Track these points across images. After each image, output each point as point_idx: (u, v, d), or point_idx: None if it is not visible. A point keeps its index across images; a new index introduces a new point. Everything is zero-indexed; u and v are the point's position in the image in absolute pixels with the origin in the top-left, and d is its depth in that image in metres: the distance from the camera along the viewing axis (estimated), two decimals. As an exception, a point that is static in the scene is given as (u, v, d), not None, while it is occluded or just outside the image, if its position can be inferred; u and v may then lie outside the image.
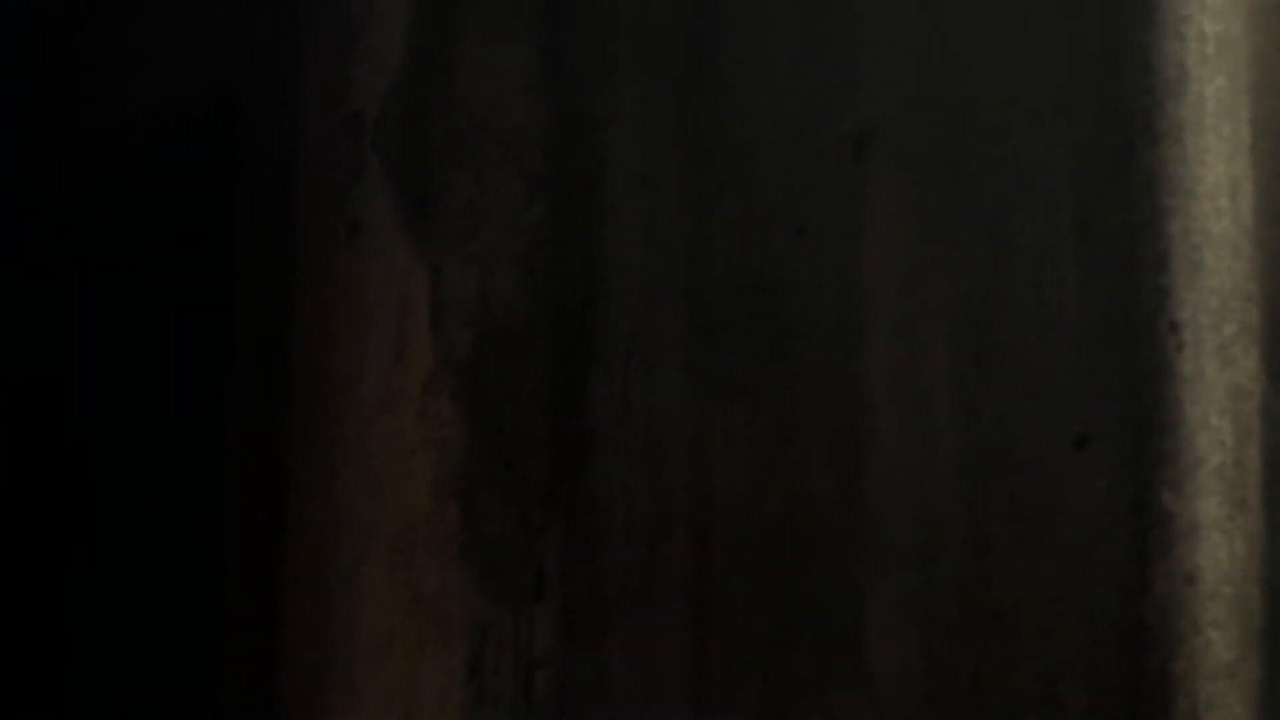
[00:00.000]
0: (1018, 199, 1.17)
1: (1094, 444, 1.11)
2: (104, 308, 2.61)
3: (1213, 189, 1.11)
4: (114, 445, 2.56)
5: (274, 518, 1.81)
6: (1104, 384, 1.11)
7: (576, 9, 1.55)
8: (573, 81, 1.56)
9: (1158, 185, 1.09)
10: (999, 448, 1.18)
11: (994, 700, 1.17)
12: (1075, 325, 1.13)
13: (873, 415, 1.27)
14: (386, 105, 1.70)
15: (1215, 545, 1.09)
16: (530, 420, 1.58)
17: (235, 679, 1.86)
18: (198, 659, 2.23)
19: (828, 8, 1.32)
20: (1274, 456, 1.13)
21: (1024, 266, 1.17)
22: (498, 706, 1.57)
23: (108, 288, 2.61)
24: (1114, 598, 1.10)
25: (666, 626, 1.43)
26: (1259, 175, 1.14)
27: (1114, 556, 1.10)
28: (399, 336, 1.67)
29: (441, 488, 1.63)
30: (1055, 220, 1.15)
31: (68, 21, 2.46)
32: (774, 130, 1.36)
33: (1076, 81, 1.14)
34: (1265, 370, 1.13)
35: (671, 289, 1.46)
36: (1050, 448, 1.14)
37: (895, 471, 1.25)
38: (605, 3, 1.51)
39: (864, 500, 1.27)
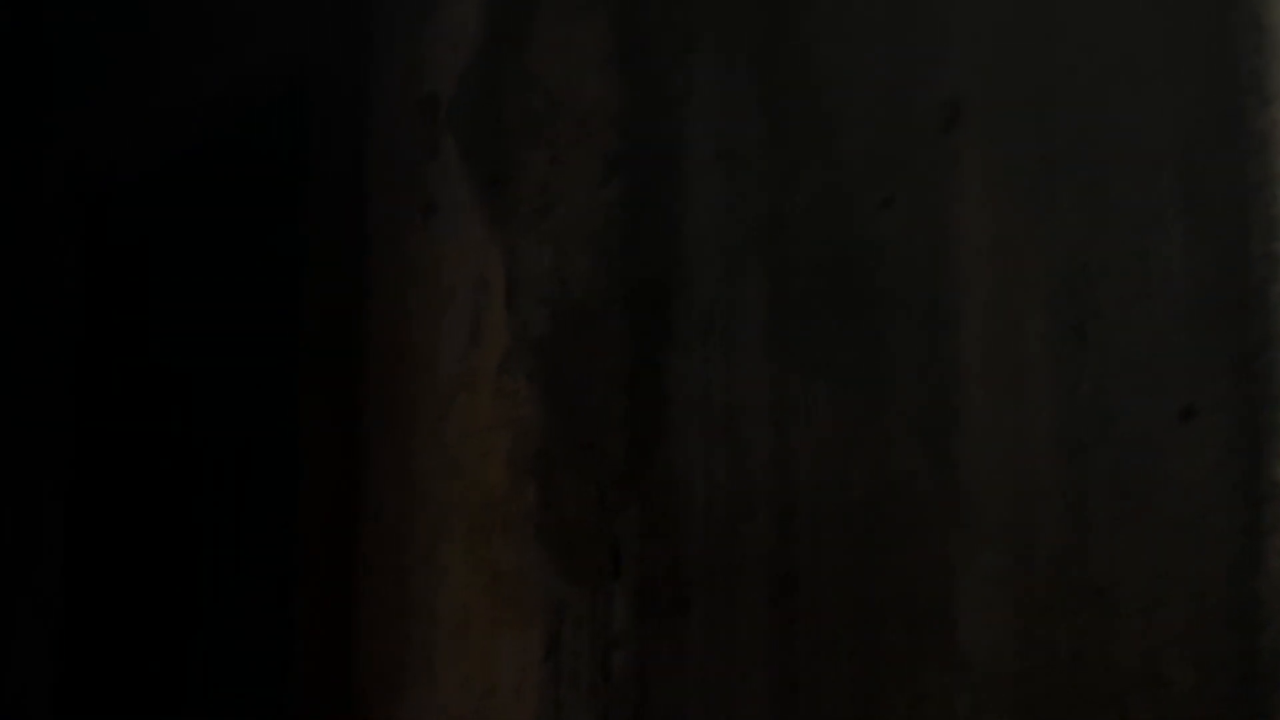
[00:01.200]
0: (1117, 166, 1.11)
1: (1201, 416, 1.05)
2: (173, 294, 2.58)
3: (1323, 153, 1.04)
4: (184, 427, 2.52)
5: (348, 497, 1.76)
6: (1212, 354, 1.05)
7: (652, -15, 1.49)
8: (649, 57, 1.50)
9: (1270, 149, 1.02)
10: (1099, 421, 1.11)
11: (1094, 678, 1.10)
12: (1180, 294, 1.06)
13: (964, 389, 1.21)
14: (461, 85, 1.64)
15: (1328, 520, 1.03)
16: (606, 399, 1.52)
17: (310, 657, 1.82)
18: (271, 637, 2.19)
19: (913, -24, 1.26)
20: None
21: (1125, 235, 1.10)
22: (576, 685, 1.51)
23: (177, 273, 2.57)
24: (1223, 574, 1.03)
25: (748, 606, 1.38)
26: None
27: (1223, 531, 1.04)
28: (475, 316, 1.62)
29: (518, 467, 1.58)
30: (1158, 187, 1.09)
31: (137, 9, 2.43)
32: (859, 101, 1.29)
33: (1180, 42, 1.07)
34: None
35: (751, 265, 1.40)
36: (1154, 420, 1.08)
37: (988, 446, 1.19)
38: (682, -22, 1.46)
39: (955, 476, 1.21)
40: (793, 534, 1.35)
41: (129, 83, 2.48)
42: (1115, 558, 1.10)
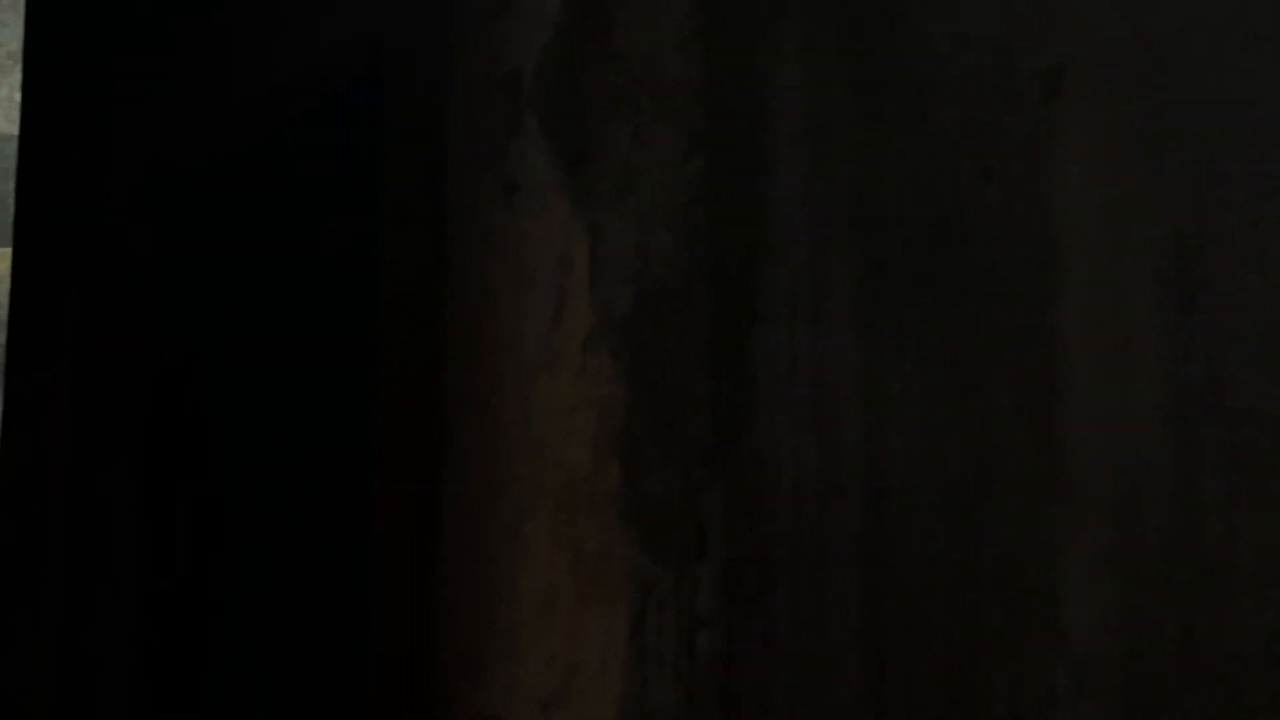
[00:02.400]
0: (1231, 133, 1.05)
1: (1321, 388, 0.99)
2: (246, 280, 2.55)
3: None
4: (261, 409, 2.50)
5: (429, 477, 1.73)
6: (1333, 324, 0.99)
7: (737, -41, 1.45)
8: (733, 31, 1.45)
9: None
10: (1210, 393, 1.06)
11: (1207, 659, 1.05)
12: (1299, 263, 1.01)
13: (1067, 363, 1.15)
14: (543, 61, 1.60)
15: None
16: (690, 378, 1.48)
17: (389, 636, 1.79)
18: (350, 618, 2.16)
19: (1010, -57, 1.20)
20: None
21: (1239, 203, 1.05)
22: (661, 665, 1.47)
23: (249, 260, 2.55)
24: (1345, 551, 0.98)
25: (838, 586, 1.33)
26: None
27: (1345, 507, 0.98)
28: (558, 295, 1.58)
29: (602, 446, 1.53)
30: (1273, 154, 1.03)
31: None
32: (955, 71, 1.24)
33: (1300, 4, 1.02)
34: None
35: (841, 240, 1.35)
36: (1269, 392, 1.02)
37: (1092, 421, 1.13)
38: (767, -49, 1.41)
39: (1057, 452, 1.16)
40: (885, 512, 1.30)
41: (200, 71, 2.45)
42: (1227, 535, 1.05)
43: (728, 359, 1.45)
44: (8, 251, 4.90)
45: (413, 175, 1.83)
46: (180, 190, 2.58)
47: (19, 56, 5.04)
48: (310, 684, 2.38)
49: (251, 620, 2.46)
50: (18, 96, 4.99)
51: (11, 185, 4.88)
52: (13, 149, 4.94)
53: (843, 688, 1.32)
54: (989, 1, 1.22)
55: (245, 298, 2.55)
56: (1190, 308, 1.07)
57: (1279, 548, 1.02)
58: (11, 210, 4.89)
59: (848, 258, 1.34)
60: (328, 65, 2.13)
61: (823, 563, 1.35)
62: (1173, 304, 1.09)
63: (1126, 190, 1.12)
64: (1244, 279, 1.04)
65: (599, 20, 1.56)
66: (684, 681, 1.46)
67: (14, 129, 5.02)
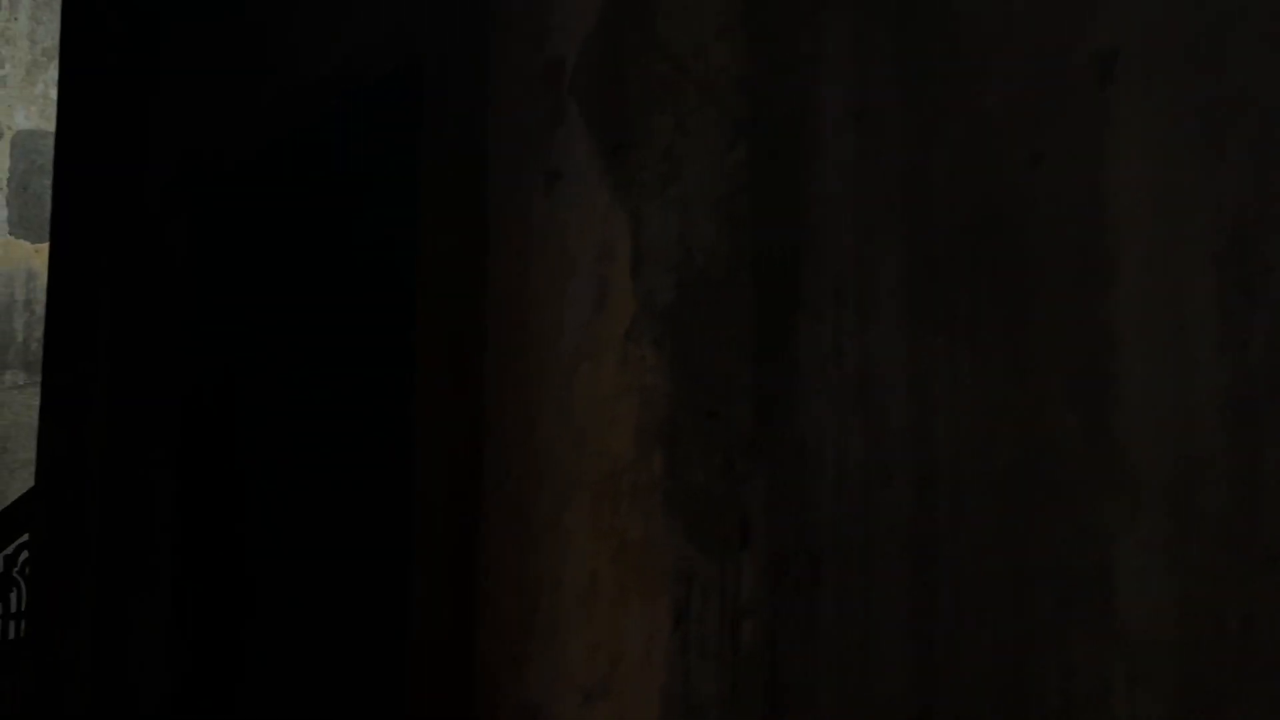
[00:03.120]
0: (1292, 114, 1.03)
1: (1387, 373, 0.97)
2: (283, 272, 2.54)
3: None
4: (297, 404, 2.49)
5: (470, 467, 1.71)
6: (1400, 308, 0.96)
7: (780, -54, 1.42)
8: (777, 18, 1.43)
9: None
10: (1270, 380, 1.03)
11: (1267, 649, 1.02)
12: (1364, 246, 0.98)
13: (1121, 350, 1.13)
14: (585, 51, 1.58)
15: None
16: (733, 367, 1.46)
17: (431, 625, 1.77)
18: (386, 605, 2.15)
19: (1062, -74, 1.18)
20: None
21: (1300, 186, 1.02)
22: (704, 655, 1.45)
23: (286, 252, 2.54)
24: None
25: (885, 575, 1.31)
26: None
27: None
28: (600, 284, 1.56)
29: (644, 435, 1.51)
30: (1336, 135, 1.00)
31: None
32: (1005, 54, 1.22)
33: (1364, -18, 0.99)
34: None
35: (888, 228, 1.32)
36: (1333, 379, 1.00)
37: (1147, 409, 1.11)
38: (812, -63, 1.38)
39: (1111, 440, 1.13)
40: (933, 501, 1.28)
41: (234, 67, 2.44)
42: (1288, 523, 1.02)
43: (771, 348, 1.43)
44: (44, 247, 4.91)
45: (451, 167, 1.81)
46: (216, 186, 2.57)
47: (54, 54, 5.05)
48: (346, 677, 2.36)
49: (286, 613, 2.44)
50: (53, 93, 5.00)
51: (47, 181, 4.88)
52: (48, 145, 4.94)
53: (889, 677, 1.30)
54: (1041, -16, 1.19)
55: (280, 292, 2.53)
56: (1250, 293, 1.05)
57: (1342, 536, 1.00)
58: (46, 205, 4.90)
59: (895, 245, 1.31)
60: (363, 60, 2.11)
61: (868, 552, 1.33)
62: (1231, 289, 1.06)
63: (1183, 174, 1.09)
64: (1305, 263, 1.02)
65: (641, 9, 1.54)
66: (728, 672, 1.43)
67: (49, 125, 5.03)
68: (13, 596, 3.70)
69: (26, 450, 4.82)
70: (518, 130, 1.67)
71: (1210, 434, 1.07)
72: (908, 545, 1.29)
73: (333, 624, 2.37)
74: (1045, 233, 1.19)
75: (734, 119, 1.47)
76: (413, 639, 1.80)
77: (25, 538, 3.66)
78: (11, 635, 3.70)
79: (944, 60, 1.27)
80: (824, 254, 1.38)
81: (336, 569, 2.38)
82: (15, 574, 3.71)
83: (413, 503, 1.82)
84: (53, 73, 4.97)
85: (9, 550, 3.75)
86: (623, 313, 1.54)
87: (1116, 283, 1.13)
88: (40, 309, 4.94)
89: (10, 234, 4.97)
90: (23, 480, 4.66)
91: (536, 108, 1.64)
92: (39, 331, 4.91)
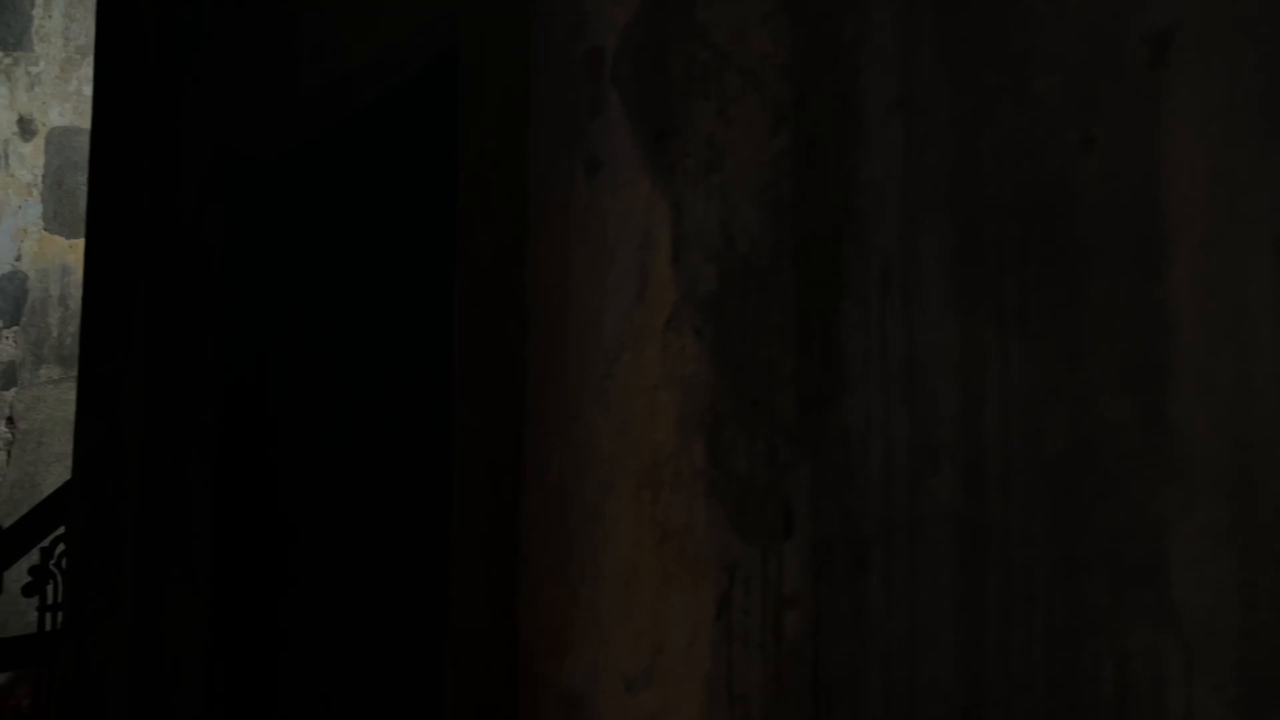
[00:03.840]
0: (1355, 93, 1.00)
1: None
2: (320, 265, 2.53)
3: None
4: (332, 396, 2.48)
5: (507, 455, 1.69)
6: None
7: (823, -70, 1.40)
8: (820, 3, 1.41)
9: None
10: (1333, 365, 1.01)
11: (1330, 638, 1.00)
12: None
13: (1177, 335, 1.10)
14: (625, 39, 1.56)
15: None
16: (776, 355, 1.44)
17: (470, 614, 1.75)
18: (425, 594, 2.13)
19: (1114, -94, 1.15)
20: None
21: (1364, 166, 0.99)
22: (747, 645, 1.43)
23: (323, 246, 2.53)
24: None
25: (933, 564, 1.29)
26: None
27: None
28: (640, 273, 1.54)
29: (686, 424, 1.49)
30: (1401, 114, 0.98)
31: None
32: (1055, 36, 1.19)
33: None
34: None
35: (935, 214, 1.30)
36: (1399, 363, 0.97)
37: (1204, 395, 1.08)
38: (856, -79, 1.36)
39: (1167, 426, 1.11)
40: (982, 489, 1.25)
41: (269, 60, 2.43)
42: (1352, 510, 1.00)
43: (814, 336, 1.41)
44: (78, 243, 4.92)
45: (490, 157, 1.79)
46: (251, 180, 2.55)
47: (87, 51, 5.06)
48: (386, 666, 2.35)
49: (325, 602, 2.43)
50: (86, 90, 5.01)
51: (81, 177, 4.89)
52: (81, 141, 4.95)
53: (937, 667, 1.27)
54: (1094, -36, 1.17)
55: (317, 284, 2.52)
56: (1311, 276, 1.02)
57: (1407, 522, 0.97)
58: (80, 201, 4.91)
59: (942, 231, 1.29)
60: (399, 51, 2.09)
61: (915, 541, 1.31)
62: (1291, 272, 1.03)
63: (1241, 156, 1.07)
64: (1369, 245, 0.99)
65: (682, -5, 1.52)
66: (771, 661, 1.41)
67: (82, 122, 5.04)
68: (49, 588, 3.71)
69: (61, 444, 4.83)
70: (557, 119, 1.65)
71: (1270, 418, 1.04)
72: (956, 534, 1.27)
73: (371, 613, 2.36)
74: (1098, 216, 1.16)
75: (776, 106, 1.45)
76: (451, 628, 1.78)
77: (61, 530, 3.66)
78: (49, 627, 3.71)
79: (993, 43, 1.25)
80: (869, 241, 1.35)
81: (374, 559, 2.37)
82: (52, 566, 3.71)
83: (450, 491, 1.81)
84: (86, 70, 4.97)
85: (45, 543, 3.75)
86: (664, 302, 1.52)
87: (1172, 266, 1.11)
88: (74, 304, 4.94)
89: (45, 230, 4.98)
90: (58, 474, 4.67)
91: (576, 96, 1.62)
92: (73, 327, 4.91)
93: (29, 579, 3.78)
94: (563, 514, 1.60)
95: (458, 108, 1.87)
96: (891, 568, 1.32)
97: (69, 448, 4.66)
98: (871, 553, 1.34)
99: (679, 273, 1.51)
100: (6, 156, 4.91)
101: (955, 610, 1.26)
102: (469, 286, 1.81)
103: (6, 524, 3.85)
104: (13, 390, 4.91)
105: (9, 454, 4.86)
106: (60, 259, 5.00)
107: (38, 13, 4.98)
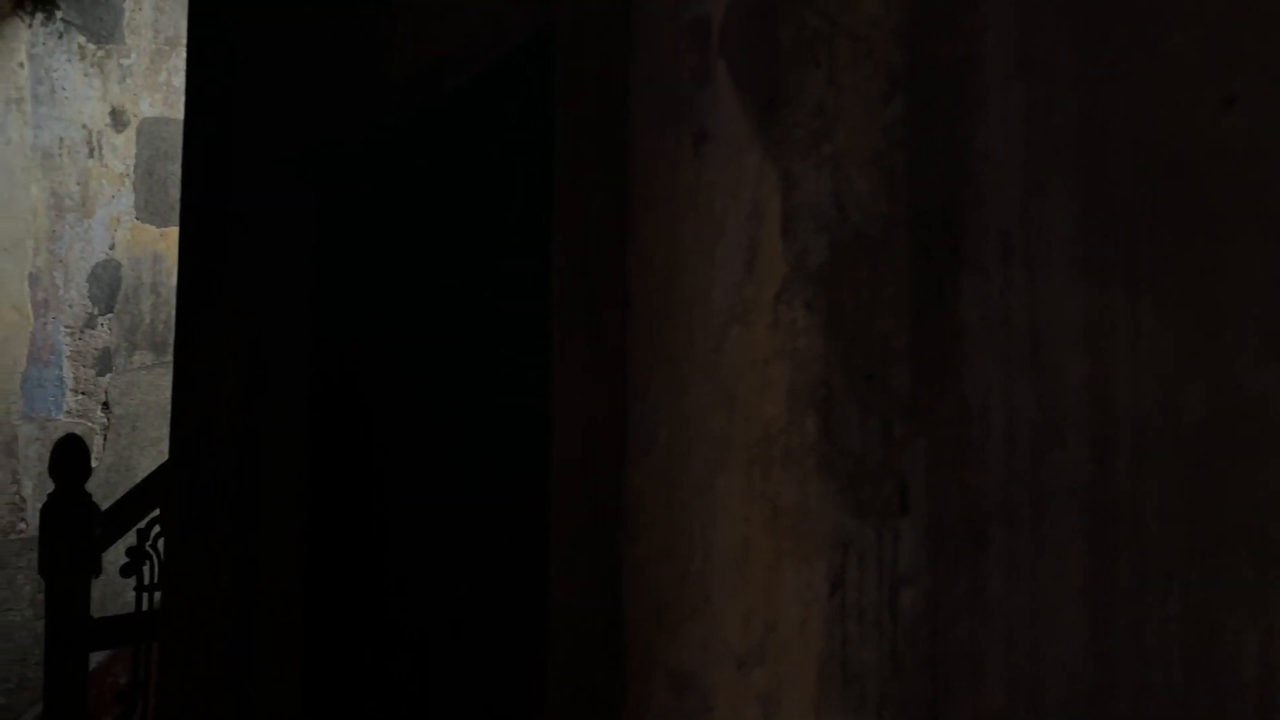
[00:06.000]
0: None
1: None
2: (413, 252, 2.50)
3: None
4: (430, 372, 2.45)
5: (608, 431, 1.64)
6: None
7: (938, -109, 1.34)
8: (936, -32, 1.35)
9: None
10: None
11: None
12: None
13: (1328, 299, 1.04)
14: (732, 7, 1.51)
15: None
16: (890, 328, 1.38)
17: (569, 593, 1.71)
18: (521, 571, 2.10)
19: None
20: None
21: None
22: (862, 623, 1.38)
23: (415, 232, 2.50)
24: None
25: (1058, 541, 1.23)
26: None
27: None
28: (750, 245, 1.49)
29: (797, 399, 1.44)
30: None
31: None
32: (1194, -8, 1.13)
33: None
34: None
35: (1059, 179, 1.24)
36: None
37: (1359, 361, 1.02)
38: (973, -120, 1.30)
39: (1317, 394, 1.04)
40: (1112, 463, 1.19)
41: (361, 45, 2.40)
42: None
43: (931, 307, 1.35)
44: (169, 231, 4.94)
45: (589, 133, 1.75)
46: (342, 167, 2.53)
47: (175, 42, 5.07)
48: (483, 648, 2.32)
49: (419, 579, 2.41)
50: (175, 81, 5.03)
51: (171, 166, 4.91)
52: (171, 131, 4.97)
53: (1064, 647, 1.22)
54: (1238, -87, 1.10)
55: (407, 268, 2.49)
56: None
57: None
58: (170, 190, 4.93)
59: (1068, 197, 1.23)
60: (493, 29, 2.05)
61: (1040, 517, 1.25)
62: None
63: (1399, 110, 1.00)
64: None
65: (792, -39, 1.46)
66: (887, 640, 1.36)
67: (172, 112, 5.06)
68: (146, 569, 3.72)
69: (154, 428, 4.86)
70: (660, 92, 1.61)
71: None
72: (1084, 508, 1.21)
73: (469, 591, 2.33)
74: (1238, 177, 1.10)
75: (889, 72, 1.39)
76: (550, 606, 1.74)
77: (156, 512, 3.67)
78: (145, 606, 3.72)
79: (1121, 0, 1.19)
80: (989, 208, 1.30)
81: (471, 533, 2.33)
82: (148, 547, 3.72)
83: (549, 470, 1.77)
84: (174, 61, 4.99)
85: (142, 524, 3.77)
86: (774, 274, 1.47)
87: (1323, 228, 1.04)
88: (164, 291, 4.96)
89: (137, 219, 5.00)
90: (152, 458, 4.70)
91: (681, 68, 1.57)
92: (164, 314, 4.94)
93: (126, 559, 3.80)
94: (670, 490, 1.55)
95: (554, 85, 1.82)
96: (1014, 545, 1.27)
97: (162, 432, 4.69)
98: (992, 529, 1.28)
99: (789, 245, 1.46)
100: (100, 148, 4.94)
101: (1083, 587, 1.20)
102: (565, 265, 1.76)
103: (104, 507, 3.87)
104: (108, 376, 4.94)
105: (105, 438, 4.90)
106: (151, 247, 5.03)
107: (129, 6, 5.00)
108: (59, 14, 4.87)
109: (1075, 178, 1.22)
